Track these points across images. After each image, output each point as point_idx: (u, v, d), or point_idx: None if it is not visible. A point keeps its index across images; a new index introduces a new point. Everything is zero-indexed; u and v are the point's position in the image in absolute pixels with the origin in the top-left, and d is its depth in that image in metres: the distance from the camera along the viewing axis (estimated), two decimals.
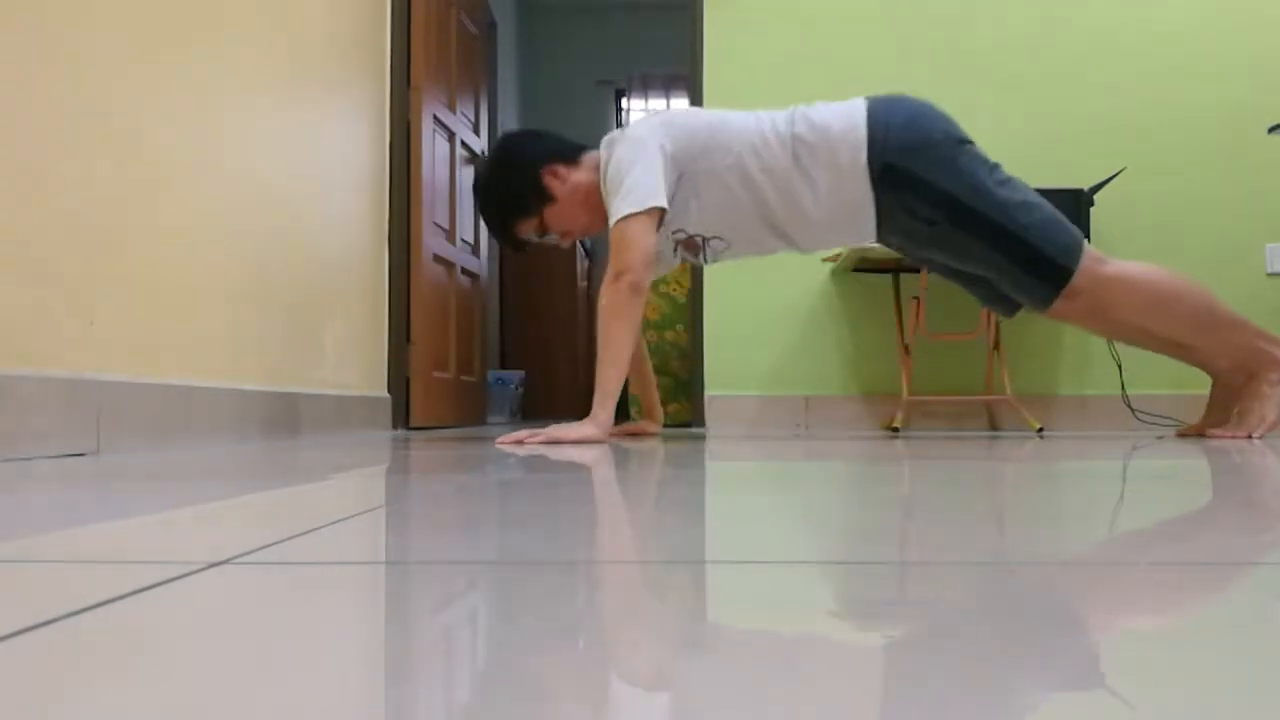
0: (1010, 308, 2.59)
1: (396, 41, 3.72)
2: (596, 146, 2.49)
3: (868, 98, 2.46)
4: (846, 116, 2.39)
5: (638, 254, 2.27)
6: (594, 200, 2.44)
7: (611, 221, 2.32)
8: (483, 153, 4.66)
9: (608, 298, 2.28)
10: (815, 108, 2.44)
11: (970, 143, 2.43)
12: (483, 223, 2.47)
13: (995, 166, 2.43)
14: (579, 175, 2.45)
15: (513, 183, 2.44)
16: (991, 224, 2.36)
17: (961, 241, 2.40)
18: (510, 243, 2.52)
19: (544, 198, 2.43)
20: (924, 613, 0.44)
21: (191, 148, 2.22)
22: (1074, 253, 2.40)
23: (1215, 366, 2.60)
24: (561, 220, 2.46)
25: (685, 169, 2.37)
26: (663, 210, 2.31)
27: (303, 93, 2.87)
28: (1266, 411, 2.44)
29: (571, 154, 2.47)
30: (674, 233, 2.47)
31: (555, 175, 2.43)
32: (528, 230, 2.48)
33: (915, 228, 2.41)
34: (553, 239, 2.55)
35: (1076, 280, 2.39)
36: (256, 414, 2.47)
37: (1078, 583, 0.51)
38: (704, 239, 2.48)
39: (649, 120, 2.41)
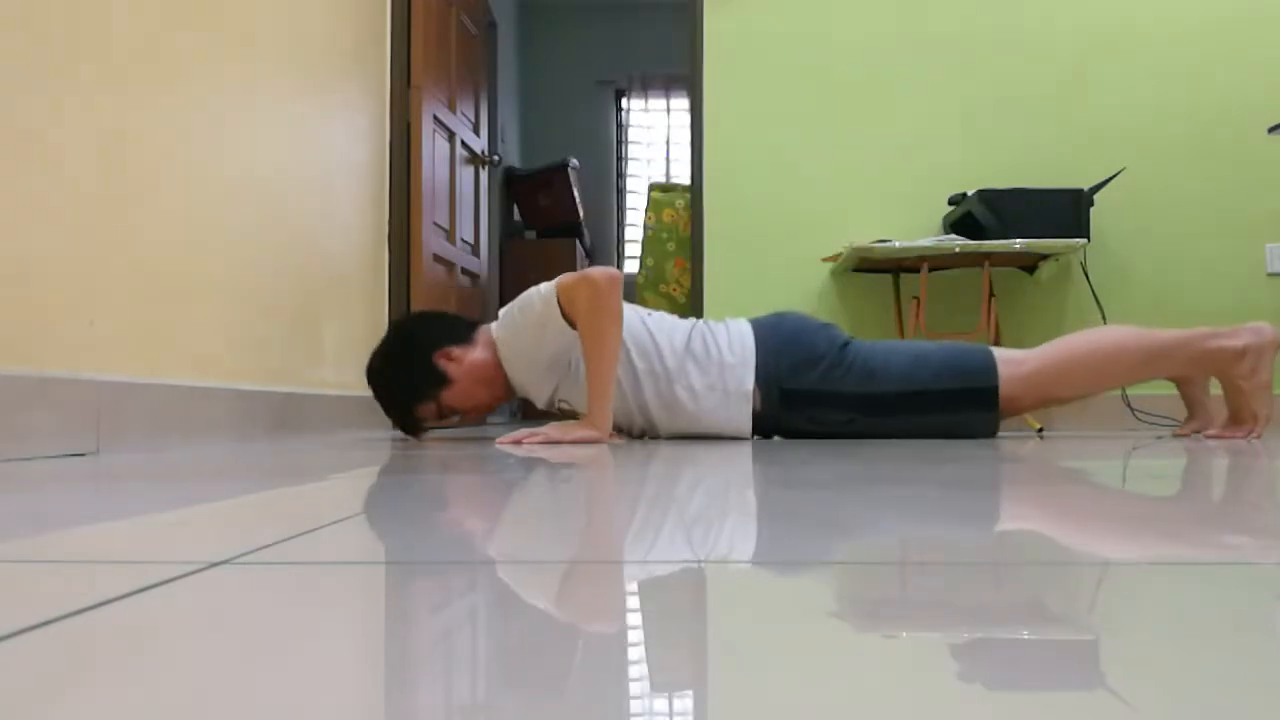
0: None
1: (396, 41, 3.72)
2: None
3: (751, 321, 2.56)
4: (739, 344, 2.49)
5: (596, 269, 2.29)
6: (490, 376, 2.45)
7: (549, 291, 2.31)
8: (483, 152, 4.66)
9: (589, 300, 2.26)
10: (713, 328, 2.54)
11: (849, 341, 2.53)
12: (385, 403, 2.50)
13: (874, 345, 2.52)
14: (474, 354, 2.44)
15: (408, 371, 2.43)
16: (903, 395, 2.45)
17: (885, 424, 2.48)
18: (411, 428, 2.51)
19: (440, 381, 2.41)
20: (923, 613, 0.44)
21: (191, 147, 2.21)
22: (989, 371, 2.46)
23: (1180, 378, 2.60)
24: (460, 400, 2.45)
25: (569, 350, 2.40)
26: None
27: (303, 92, 2.87)
28: (1256, 406, 2.42)
29: (464, 334, 2.47)
30: (559, 403, 2.51)
31: (449, 358, 2.42)
32: (428, 414, 2.46)
33: (838, 431, 2.50)
34: (455, 418, 2.55)
35: (1005, 391, 2.45)
36: (256, 414, 2.47)
37: (1078, 582, 0.51)
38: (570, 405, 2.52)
39: (539, 289, 2.40)
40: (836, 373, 2.46)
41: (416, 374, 2.41)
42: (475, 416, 2.59)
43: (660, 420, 2.51)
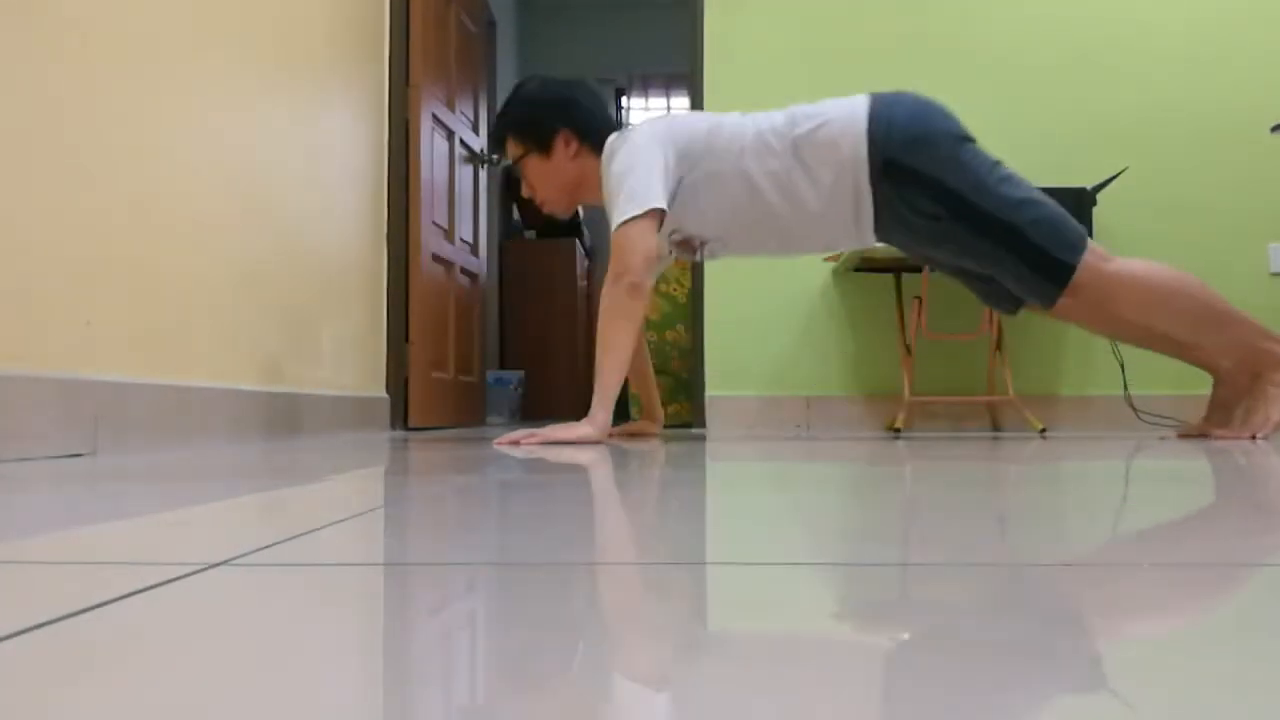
0: (1013, 305, 2.58)
1: (395, 39, 3.71)
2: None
3: (871, 94, 2.46)
4: (848, 113, 2.39)
5: (638, 256, 2.27)
6: (571, 187, 2.53)
7: (613, 226, 2.32)
8: (482, 151, 4.65)
9: (608, 299, 2.28)
10: (816, 105, 2.45)
11: (972, 140, 2.43)
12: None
13: (997, 163, 2.42)
14: (580, 161, 2.50)
15: (536, 113, 2.50)
16: (994, 220, 2.36)
17: (964, 237, 2.39)
18: (496, 147, 2.60)
19: (542, 146, 2.49)
20: (926, 615, 0.43)
21: (189, 147, 2.20)
22: (1077, 249, 2.39)
23: (1218, 366, 2.58)
24: (536, 175, 2.53)
25: (686, 173, 2.38)
26: (662, 212, 2.31)
27: (301, 91, 2.86)
28: (1271, 412, 2.42)
29: (595, 137, 2.50)
30: (671, 234, 2.47)
31: (566, 143, 2.49)
32: (513, 152, 2.54)
33: (918, 223, 2.40)
34: (519, 175, 2.60)
35: (1079, 277, 2.38)
36: (254, 414, 2.46)
37: (1081, 584, 0.51)
38: (702, 241, 2.48)
39: (651, 125, 2.41)
40: (949, 164, 2.36)
41: (537, 124, 2.49)
42: (530, 195, 2.60)
43: (791, 227, 2.42)
